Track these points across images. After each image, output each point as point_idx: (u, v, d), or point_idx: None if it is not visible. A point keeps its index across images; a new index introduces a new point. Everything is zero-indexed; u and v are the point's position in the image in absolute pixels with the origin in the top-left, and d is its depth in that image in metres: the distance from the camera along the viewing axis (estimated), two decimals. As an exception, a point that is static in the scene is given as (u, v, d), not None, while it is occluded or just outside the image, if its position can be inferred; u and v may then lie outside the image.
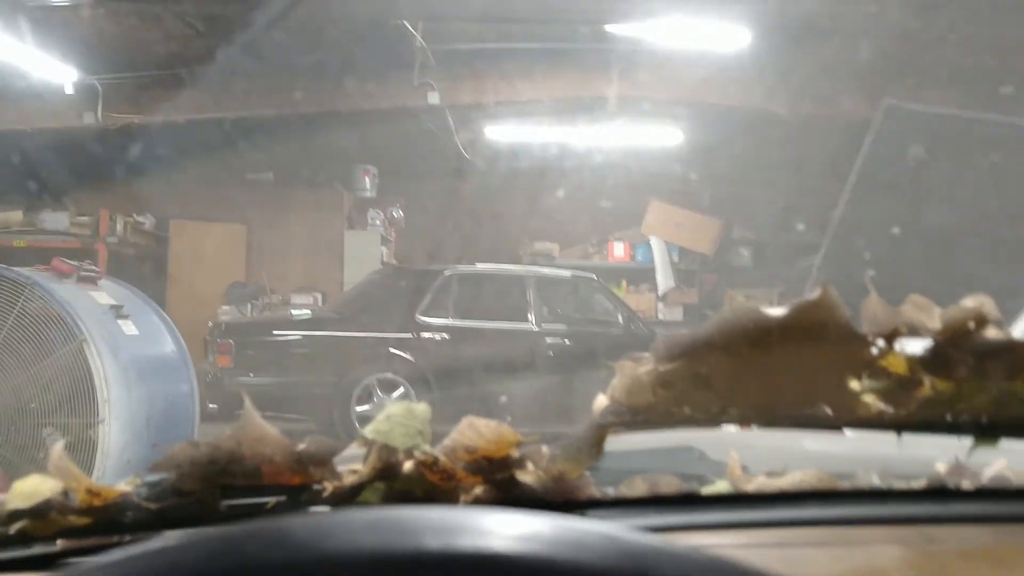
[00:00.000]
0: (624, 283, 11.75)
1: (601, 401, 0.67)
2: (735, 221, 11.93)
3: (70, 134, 8.31)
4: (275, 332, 8.25)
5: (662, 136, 9.91)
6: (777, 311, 0.61)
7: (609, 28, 7.50)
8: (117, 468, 4.10)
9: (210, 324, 8.31)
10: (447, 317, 8.17)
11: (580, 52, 8.05)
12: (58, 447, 0.66)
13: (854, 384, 0.63)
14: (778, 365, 0.62)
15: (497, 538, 0.38)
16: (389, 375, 7.90)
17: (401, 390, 7.83)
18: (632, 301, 10.67)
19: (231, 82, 8.03)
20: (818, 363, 0.62)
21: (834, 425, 0.65)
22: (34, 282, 4.19)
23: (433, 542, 0.38)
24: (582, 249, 12.16)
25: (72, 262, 4.69)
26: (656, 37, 7.54)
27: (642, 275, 11.93)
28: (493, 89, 8.52)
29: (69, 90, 7.81)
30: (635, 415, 0.65)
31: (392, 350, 7.96)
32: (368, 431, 0.69)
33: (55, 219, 9.71)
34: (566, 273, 9.18)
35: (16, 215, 9.63)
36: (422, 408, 0.71)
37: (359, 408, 7.78)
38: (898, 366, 0.62)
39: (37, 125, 8.36)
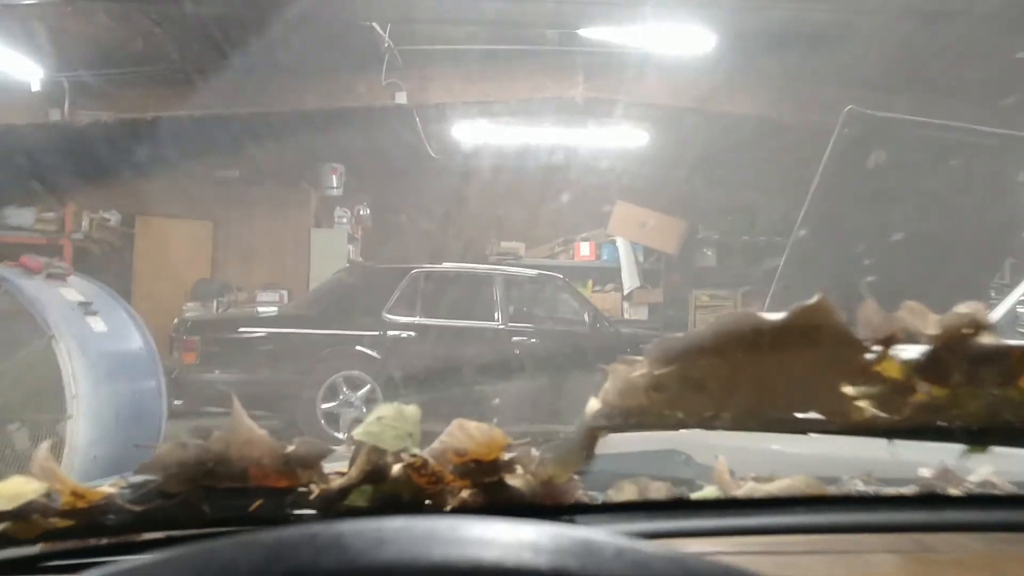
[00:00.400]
0: (590, 282, 11.78)
1: (593, 404, 0.67)
2: (700, 222, 12.02)
3: (36, 131, 8.20)
4: (241, 329, 8.16)
5: (628, 138, 9.95)
6: (773, 316, 0.61)
7: (576, 31, 7.53)
8: (84, 464, 4.06)
9: (176, 321, 8.23)
10: (413, 315, 8.14)
11: (548, 54, 8.07)
12: (43, 448, 0.64)
13: (848, 389, 0.63)
14: (772, 369, 0.62)
15: (556, 554, 0.37)
16: (355, 373, 7.85)
17: (367, 388, 7.79)
18: (598, 300, 10.70)
19: (198, 80, 7.95)
20: (813, 368, 0.62)
21: (827, 430, 0.65)
22: (3, 278, 4.13)
23: (493, 554, 0.37)
24: (548, 248, 12.17)
25: (41, 258, 4.62)
26: (623, 40, 7.57)
27: (608, 275, 11.96)
28: (461, 89, 8.51)
29: (36, 87, 7.71)
30: (627, 418, 0.65)
31: (358, 348, 7.91)
32: (358, 433, 0.68)
33: (20, 215, 9.59)
34: (532, 272, 9.19)
35: (-21, 211, 9.51)
36: (412, 410, 0.70)
37: (325, 406, 7.73)
38: (893, 371, 0.62)
39: (2, 121, 8.24)
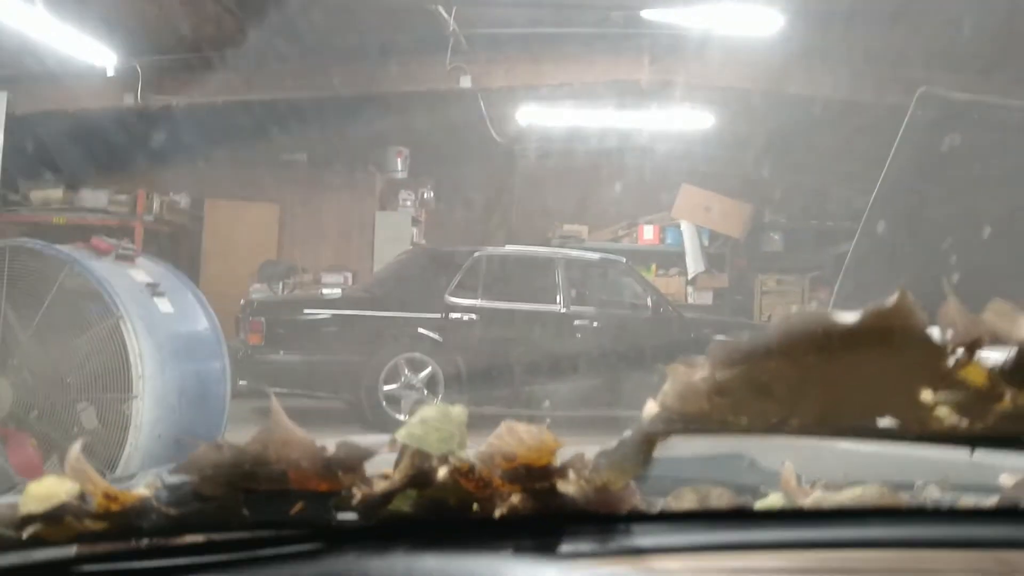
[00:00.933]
0: (653, 266, 11.67)
1: (651, 407, 0.63)
2: (767, 206, 11.81)
3: (110, 115, 8.38)
4: (306, 311, 8.26)
5: (694, 120, 9.81)
6: (848, 316, 0.56)
7: (640, 14, 7.43)
8: (148, 443, 4.14)
9: (242, 302, 8.35)
10: (476, 298, 8.16)
11: (612, 36, 7.97)
12: (75, 448, 0.62)
13: (926, 395, 0.58)
14: (844, 374, 0.58)
15: None
16: (417, 355, 7.90)
17: (429, 370, 7.83)
18: (661, 285, 10.59)
19: (267, 64, 8.04)
20: (888, 373, 0.58)
21: (902, 438, 0.60)
22: (74, 259, 4.21)
23: None
24: (611, 232, 12.09)
25: (110, 240, 4.71)
26: (688, 22, 7.45)
27: (672, 259, 11.84)
28: (525, 73, 8.47)
29: (110, 72, 7.89)
30: (687, 423, 0.61)
31: (421, 330, 7.96)
32: (401, 435, 0.65)
33: (94, 197, 9.82)
34: (595, 256, 9.13)
35: (56, 193, 9.75)
36: (458, 411, 0.67)
37: (387, 387, 7.79)
38: (977, 377, 0.57)
39: (79, 106, 8.44)
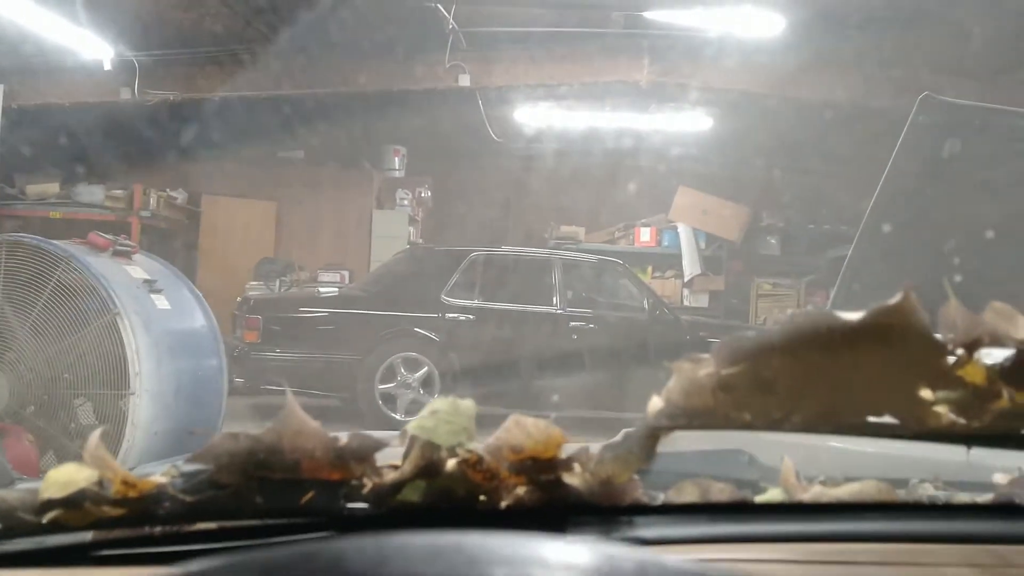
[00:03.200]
0: (650, 268, 11.69)
1: (656, 402, 0.64)
2: (763, 209, 11.83)
3: (107, 109, 8.38)
4: (302, 309, 8.27)
5: (692, 122, 9.82)
6: (852, 316, 0.57)
7: (641, 14, 7.44)
8: (145, 440, 4.14)
9: (239, 299, 8.36)
10: (472, 298, 8.18)
11: (613, 37, 7.99)
12: (95, 436, 0.63)
13: (926, 393, 0.60)
14: (846, 371, 0.59)
15: (568, 571, 0.35)
16: (413, 355, 7.91)
17: (425, 369, 7.84)
18: (657, 287, 10.62)
19: (265, 61, 8.04)
20: (890, 371, 0.59)
21: (901, 435, 0.62)
22: (71, 255, 4.21)
23: (500, 574, 0.35)
24: (608, 234, 12.11)
25: (108, 236, 4.70)
26: (688, 23, 7.47)
27: (668, 261, 11.86)
28: (524, 72, 8.48)
29: (108, 66, 7.88)
30: (692, 418, 0.62)
31: (417, 329, 7.96)
32: (412, 427, 0.67)
33: (90, 192, 9.82)
34: (591, 257, 9.15)
35: (53, 187, 9.74)
36: (467, 404, 0.68)
37: (383, 386, 7.80)
38: (976, 376, 0.59)
39: (76, 100, 8.43)
